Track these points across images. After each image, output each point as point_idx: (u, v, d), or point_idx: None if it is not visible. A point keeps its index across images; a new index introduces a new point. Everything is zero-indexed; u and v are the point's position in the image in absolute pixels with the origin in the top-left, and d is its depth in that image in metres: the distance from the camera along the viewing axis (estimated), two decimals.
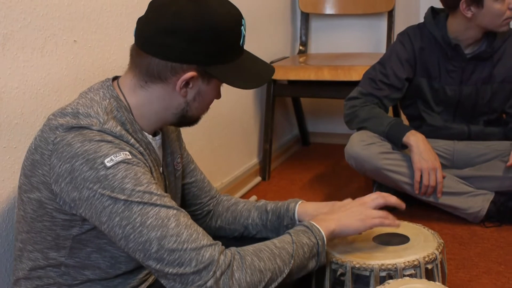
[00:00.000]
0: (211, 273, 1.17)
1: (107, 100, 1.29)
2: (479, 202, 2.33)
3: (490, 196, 2.34)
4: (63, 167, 1.21)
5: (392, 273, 1.40)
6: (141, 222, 1.18)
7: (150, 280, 1.42)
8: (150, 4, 1.30)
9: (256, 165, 3.00)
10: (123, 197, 1.18)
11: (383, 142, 2.34)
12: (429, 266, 1.43)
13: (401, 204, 1.55)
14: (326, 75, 2.83)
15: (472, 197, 2.34)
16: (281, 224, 1.55)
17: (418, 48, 2.42)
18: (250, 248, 1.26)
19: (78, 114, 1.25)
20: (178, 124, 1.40)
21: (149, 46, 1.26)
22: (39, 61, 1.56)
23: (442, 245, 1.50)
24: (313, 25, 3.48)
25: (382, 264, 1.40)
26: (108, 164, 1.19)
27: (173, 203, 1.23)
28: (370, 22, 3.37)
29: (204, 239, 1.21)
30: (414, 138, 2.28)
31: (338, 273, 1.43)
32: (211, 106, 1.38)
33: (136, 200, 1.18)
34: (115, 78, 1.37)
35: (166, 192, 1.32)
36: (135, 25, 1.30)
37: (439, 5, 2.41)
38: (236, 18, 1.29)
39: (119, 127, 1.26)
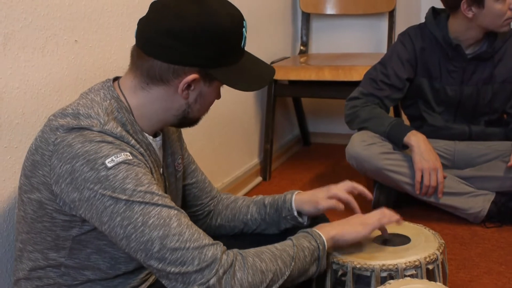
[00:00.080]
0: (214, 271, 1.17)
1: (108, 101, 1.29)
2: (480, 203, 2.33)
3: (491, 197, 2.34)
4: (64, 167, 1.21)
5: (393, 274, 1.40)
6: (143, 222, 1.18)
7: (151, 280, 1.42)
8: (152, 5, 1.29)
9: (257, 165, 3.00)
10: (124, 197, 1.18)
11: (384, 142, 2.34)
12: (430, 267, 1.43)
13: (367, 194, 1.58)
14: (327, 75, 2.83)
15: (473, 198, 2.34)
16: (280, 216, 1.55)
17: (419, 48, 2.42)
18: (251, 250, 1.26)
19: (79, 115, 1.25)
20: (179, 125, 1.40)
21: (150, 47, 1.26)
22: (40, 61, 1.56)
23: (443, 245, 1.50)
24: (314, 25, 3.47)
25: (383, 265, 1.40)
26: (109, 165, 1.19)
27: (173, 204, 1.23)
28: (371, 22, 3.37)
29: (206, 238, 1.21)
30: (415, 138, 2.28)
31: (339, 273, 1.43)
32: (211, 107, 1.38)
33: (138, 200, 1.18)
34: (116, 78, 1.37)
35: (166, 193, 1.32)
36: (136, 25, 1.30)
37: (440, 5, 2.41)
38: (237, 20, 1.29)
39: (119, 128, 1.25)
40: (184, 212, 1.24)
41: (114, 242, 1.23)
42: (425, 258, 1.43)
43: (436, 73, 2.41)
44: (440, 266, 1.46)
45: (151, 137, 1.35)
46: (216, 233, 1.58)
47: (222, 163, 2.68)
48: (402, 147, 2.32)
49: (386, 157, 2.31)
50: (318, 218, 1.58)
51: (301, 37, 3.41)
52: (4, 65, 1.45)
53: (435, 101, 2.46)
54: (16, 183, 1.43)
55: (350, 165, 2.39)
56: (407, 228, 1.59)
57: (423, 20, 2.46)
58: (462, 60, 2.38)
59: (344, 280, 1.42)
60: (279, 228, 1.58)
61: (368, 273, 1.41)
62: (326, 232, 1.38)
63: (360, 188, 1.58)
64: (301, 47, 3.41)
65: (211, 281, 1.17)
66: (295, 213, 1.54)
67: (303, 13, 3.40)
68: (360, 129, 2.41)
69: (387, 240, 1.52)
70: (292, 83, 3.06)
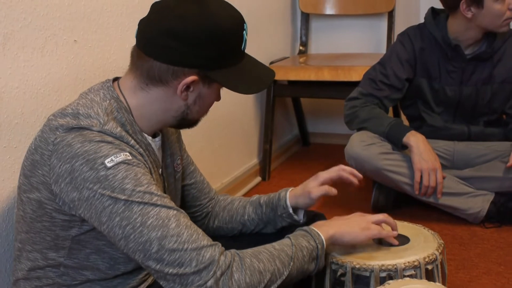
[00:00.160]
0: (211, 273, 1.17)
1: (108, 101, 1.29)
2: (479, 203, 2.33)
3: (490, 197, 2.34)
4: (63, 167, 1.20)
5: (392, 274, 1.40)
6: (142, 222, 1.18)
7: (150, 280, 1.42)
8: (153, 6, 1.29)
9: (256, 165, 3.00)
10: (123, 197, 1.18)
11: (383, 143, 2.34)
12: (429, 267, 1.43)
13: (356, 174, 1.58)
14: (326, 76, 2.83)
15: (472, 198, 2.34)
16: (275, 215, 1.55)
17: (418, 48, 2.42)
18: (249, 250, 1.26)
19: (78, 114, 1.25)
20: (178, 126, 1.40)
21: (150, 48, 1.26)
22: (40, 61, 1.56)
23: (442, 245, 1.50)
24: (313, 25, 3.48)
25: (382, 265, 1.40)
26: (109, 165, 1.19)
27: (172, 204, 1.23)
28: (370, 22, 3.37)
29: (204, 239, 1.21)
30: (414, 139, 2.28)
31: (338, 273, 1.43)
32: (211, 108, 1.38)
33: (137, 200, 1.18)
34: (116, 79, 1.37)
35: (165, 193, 1.32)
36: (135, 25, 1.30)
37: (439, 5, 2.41)
38: (238, 22, 1.29)
39: (119, 128, 1.25)
40: (183, 212, 1.24)
41: (112, 242, 1.23)
42: (424, 258, 1.43)
43: (435, 73, 2.42)
44: (439, 266, 1.46)
45: (150, 138, 1.35)
46: (214, 235, 1.58)
47: (222, 163, 2.68)
48: (401, 147, 2.32)
49: (385, 157, 2.31)
50: (316, 216, 1.59)
51: (301, 37, 3.42)
52: (4, 65, 1.45)
53: (434, 102, 2.46)
54: (15, 183, 1.43)
55: (349, 165, 2.39)
56: (406, 228, 1.59)
57: (422, 21, 2.46)
58: (461, 60, 2.38)
59: (343, 280, 1.42)
60: (275, 226, 1.58)
61: (367, 273, 1.41)
62: (325, 231, 1.38)
63: (349, 168, 1.58)
64: (301, 47, 3.41)
65: (209, 283, 1.17)
66: (290, 210, 1.54)
67: (302, 13, 3.40)
68: (359, 129, 2.41)
69: (386, 240, 1.52)
70: (292, 83, 3.06)
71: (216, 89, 1.32)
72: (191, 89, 1.29)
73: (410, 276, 1.40)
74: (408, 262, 1.41)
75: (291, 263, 1.28)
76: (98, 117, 1.25)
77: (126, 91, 1.32)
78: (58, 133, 1.23)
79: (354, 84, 2.54)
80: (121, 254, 1.30)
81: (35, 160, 1.26)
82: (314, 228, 1.38)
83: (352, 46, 3.38)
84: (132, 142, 1.27)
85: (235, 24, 1.28)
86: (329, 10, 3.38)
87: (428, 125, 2.49)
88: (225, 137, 2.70)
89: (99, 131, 1.22)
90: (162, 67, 1.26)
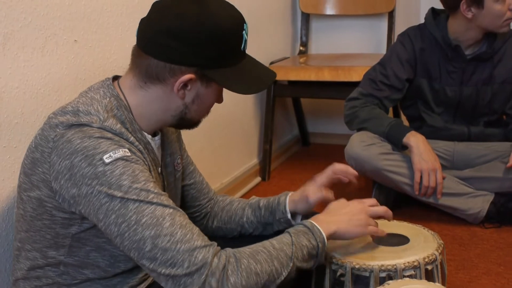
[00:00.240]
0: (203, 276, 1.16)
1: (107, 99, 1.29)
2: (479, 203, 2.33)
3: (490, 197, 2.34)
4: (63, 163, 1.21)
5: (392, 274, 1.40)
6: (136, 220, 1.17)
7: (150, 279, 1.41)
8: (153, 5, 1.30)
9: (256, 166, 3.00)
10: (119, 194, 1.18)
11: (383, 143, 2.34)
12: (429, 267, 1.43)
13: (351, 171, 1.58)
14: (327, 76, 2.84)
15: (472, 198, 2.34)
16: (274, 219, 1.55)
17: (418, 48, 2.42)
18: (247, 250, 1.24)
19: (78, 112, 1.25)
20: (178, 126, 1.40)
21: (150, 46, 1.26)
22: (40, 60, 1.56)
23: (442, 246, 1.50)
24: (314, 25, 3.48)
25: (382, 265, 1.40)
26: (107, 161, 1.19)
27: (170, 202, 1.22)
28: (370, 22, 3.37)
29: (199, 239, 1.19)
30: (414, 139, 2.28)
31: (338, 273, 1.43)
32: (211, 109, 1.38)
33: (133, 197, 1.18)
34: (115, 78, 1.37)
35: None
36: (136, 25, 1.30)
37: (439, 5, 2.41)
38: (238, 22, 1.28)
39: (119, 125, 1.26)
40: (180, 210, 1.23)
41: (110, 240, 1.23)
42: (424, 258, 1.43)
43: (435, 73, 2.42)
44: (439, 266, 1.46)
45: (149, 136, 1.35)
46: (214, 236, 1.58)
47: (222, 164, 2.68)
48: (401, 147, 2.32)
49: (385, 157, 2.31)
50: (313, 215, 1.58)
51: (301, 38, 3.42)
52: (4, 65, 1.45)
53: (435, 102, 2.46)
54: (15, 182, 1.43)
55: (349, 165, 2.38)
56: (406, 228, 1.59)
57: (422, 21, 2.46)
58: (462, 60, 2.38)
59: (343, 280, 1.42)
60: (274, 229, 1.57)
61: (367, 274, 1.40)
62: (326, 228, 1.35)
63: (342, 165, 1.58)
64: (301, 48, 3.41)
65: (202, 287, 1.16)
66: (289, 216, 1.53)
67: (302, 13, 3.40)
68: (359, 130, 2.41)
69: (386, 240, 1.52)
70: (292, 83, 3.06)
71: (215, 89, 1.32)
72: (189, 87, 1.28)
73: (410, 276, 1.39)
74: (408, 262, 1.41)
75: (291, 264, 1.26)
76: (98, 114, 1.25)
77: (126, 89, 1.32)
78: (58, 130, 1.23)
79: (354, 85, 2.54)
80: (121, 251, 1.30)
81: (35, 158, 1.26)
82: (316, 225, 1.35)
83: (352, 46, 3.38)
84: (132, 139, 1.27)
85: (235, 24, 1.28)
86: (329, 10, 3.38)
87: (428, 126, 2.49)
88: (225, 137, 2.70)
89: (99, 128, 1.23)
90: (160, 64, 1.26)
